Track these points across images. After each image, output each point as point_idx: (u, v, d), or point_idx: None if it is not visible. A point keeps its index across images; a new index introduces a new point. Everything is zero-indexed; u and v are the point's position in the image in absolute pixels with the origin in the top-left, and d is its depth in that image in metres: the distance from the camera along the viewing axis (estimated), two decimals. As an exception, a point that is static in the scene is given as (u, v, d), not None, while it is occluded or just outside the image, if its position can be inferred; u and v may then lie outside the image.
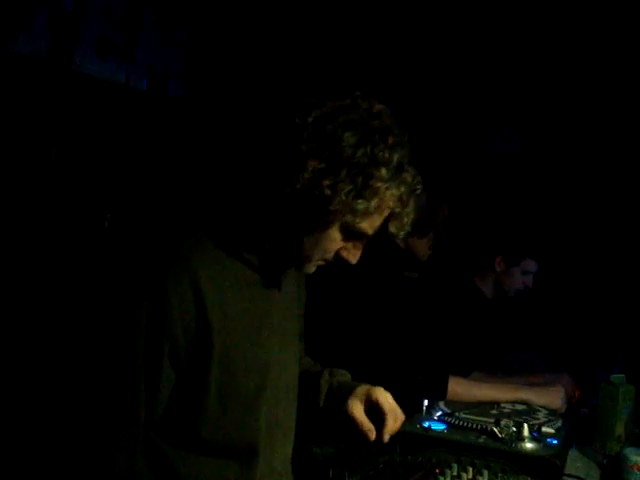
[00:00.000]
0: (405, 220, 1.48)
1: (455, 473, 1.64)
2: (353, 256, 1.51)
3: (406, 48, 3.75)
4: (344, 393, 1.68)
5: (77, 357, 1.44)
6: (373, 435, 1.59)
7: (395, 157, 1.40)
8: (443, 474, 1.64)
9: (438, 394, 2.25)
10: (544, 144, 3.84)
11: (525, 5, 3.49)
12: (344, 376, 1.80)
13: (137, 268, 1.43)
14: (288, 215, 1.45)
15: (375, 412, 1.61)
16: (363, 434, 1.61)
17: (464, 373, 2.48)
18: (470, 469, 1.65)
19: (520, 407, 2.27)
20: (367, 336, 2.36)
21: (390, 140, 1.41)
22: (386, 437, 1.58)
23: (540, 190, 3.82)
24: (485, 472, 1.64)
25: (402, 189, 1.42)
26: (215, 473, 1.51)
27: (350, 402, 1.64)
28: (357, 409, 1.63)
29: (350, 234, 1.46)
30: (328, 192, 1.37)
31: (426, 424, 1.98)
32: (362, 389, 1.67)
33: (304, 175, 1.37)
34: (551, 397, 2.36)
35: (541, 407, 2.29)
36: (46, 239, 2.43)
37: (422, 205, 2.55)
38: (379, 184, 1.38)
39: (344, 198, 1.37)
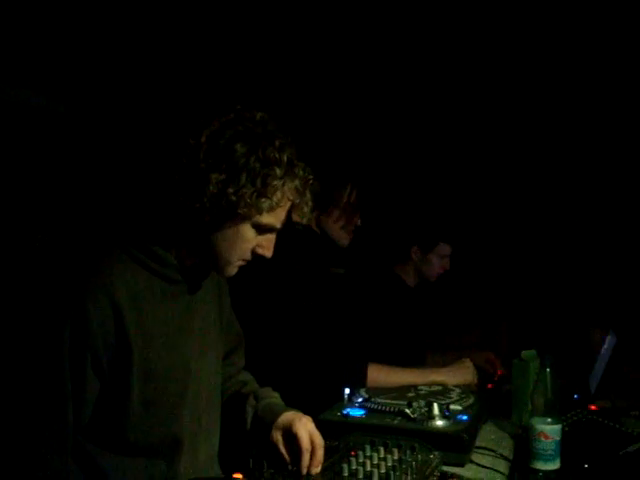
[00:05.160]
0: (305, 208, 1.67)
1: (368, 454, 1.76)
2: (268, 250, 1.67)
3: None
4: (268, 420, 1.78)
5: (8, 371, 1.55)
6: (292, 467, 1.70)
7: (284, 156, 1.58)
8: (357, 456, 1.76)
9: (358, 382, 2.37)
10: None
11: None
12: (271, 398, 1.89)
13: (59, 288, 1.56)
14: (201, 226, 1.59)
15: (295, 443, 1.70)
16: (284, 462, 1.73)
17: (393, 360, 2.61)
18: (381, 449, 1.78)
19: (436, 388, 2.41)
20: (293, 331, 2.47)
21: (277, 142, 1.58)
22: (303, 471, 1.66)
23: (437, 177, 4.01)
24: (395, 451, 1.77)
25: (296, 182, 1.61)
26: (141, 472, 1.63)
27: (273, 433, 1.75)
28: (279, 441, 1.74)
29: (261, 230, 1.63)
30: (234, 198, 1.53)
31: (345, 411, 2.10)
32: (285, 420, 1.75)
33: (209, 188, 1.53)
34: (461, 374, 2.52)
35: (455, 386, 2.43)
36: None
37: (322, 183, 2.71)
38: (276, 182, 1.56)
39: (249, 200, 1.54)
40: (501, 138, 4.01)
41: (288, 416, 1.77)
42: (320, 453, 1.69)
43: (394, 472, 1.65)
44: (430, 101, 4.10)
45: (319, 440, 1.71)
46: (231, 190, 1.53)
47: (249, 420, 1.84)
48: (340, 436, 1.92)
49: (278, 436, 1.75)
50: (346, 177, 2.80)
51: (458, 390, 2.37)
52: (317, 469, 1.68)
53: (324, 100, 3.97)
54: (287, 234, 1.78)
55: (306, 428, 1.72)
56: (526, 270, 3.90)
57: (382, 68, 4.03)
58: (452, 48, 3.90)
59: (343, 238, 2.81)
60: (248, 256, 1.66)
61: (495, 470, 1.92)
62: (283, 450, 1.73)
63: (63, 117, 2.97)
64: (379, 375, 2.44)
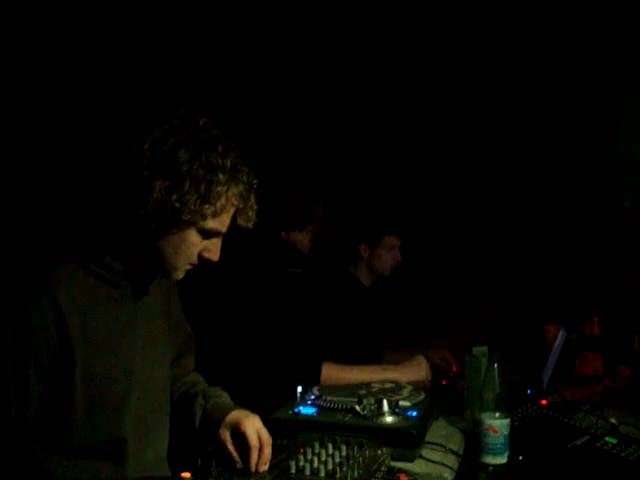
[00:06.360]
0: (250, 213, 1.67)
1: (316, 450, 1.76)
2: (214, 254, 1.67)
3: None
4: (217, 418, 1.79)
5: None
6: (240, 465, 1.71)
7: (228, 161, 1.58)
8: (305, 453, 1.77)
9: (311, 380, 2.39)
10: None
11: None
12: (220, 397, 1.89)
13: (1, 292, 1.55)
14: (147, 232, 1.59)
15: (243, 441, 1.71)
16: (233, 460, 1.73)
17: (350, 359, 2.62)
18: (330, 446, 1.79)
19: (388, 385, 2.41)
20: (247, 329, 2.50)
21: (220, 148, 1.57)
22: (252, 468, 1.67)
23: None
24: (343, 447, 1.78)
25: (240, 187, 1.61)
26: (88, 474, 1.63)
27: (221, 431, 1.76)
28: (227, 439, 1.75)
29: (206, 235, 1.62)
30: (177, 205, 1.53)
31: (297, 409, 2.10)
32: (232, 418, 1.76)
33: (153, 195, 1.52)
34: (414, 371, 2.55)
35: (408, 383, 2.44)
36: None
37: (298, 202, 2.77)
38: (219, 188, 1.56)
39: (193, 207, 1.53)
40: (444, 125, 4.00)
41: (236, 414, 1.78)
42: (268, 450, 1.70)
43: (340, 468, 1.66)
44: (370, 94, 4.07)
45: (267, 437, 1.72)
46: (175, 197, 1.53)
47: (197, 419, 1.85)
48: (291, 434, 1.93)
49: (226, 434, 1.75)
50: (320, 193, 2.85)
51: (410, 387, 2.38)
52: (265, 466, 1.69)
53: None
54: (243, 235, 1.79)
55: (254, 426, 1.73)
56: (480, 268, 3.93)
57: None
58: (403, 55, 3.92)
59: (308, 246, 2.86)
60: (195, 260, 1.66)
61: (444, 465, 1.94)
62: (231, 448, 1.74)
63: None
64: (332, 373, 2.46)
